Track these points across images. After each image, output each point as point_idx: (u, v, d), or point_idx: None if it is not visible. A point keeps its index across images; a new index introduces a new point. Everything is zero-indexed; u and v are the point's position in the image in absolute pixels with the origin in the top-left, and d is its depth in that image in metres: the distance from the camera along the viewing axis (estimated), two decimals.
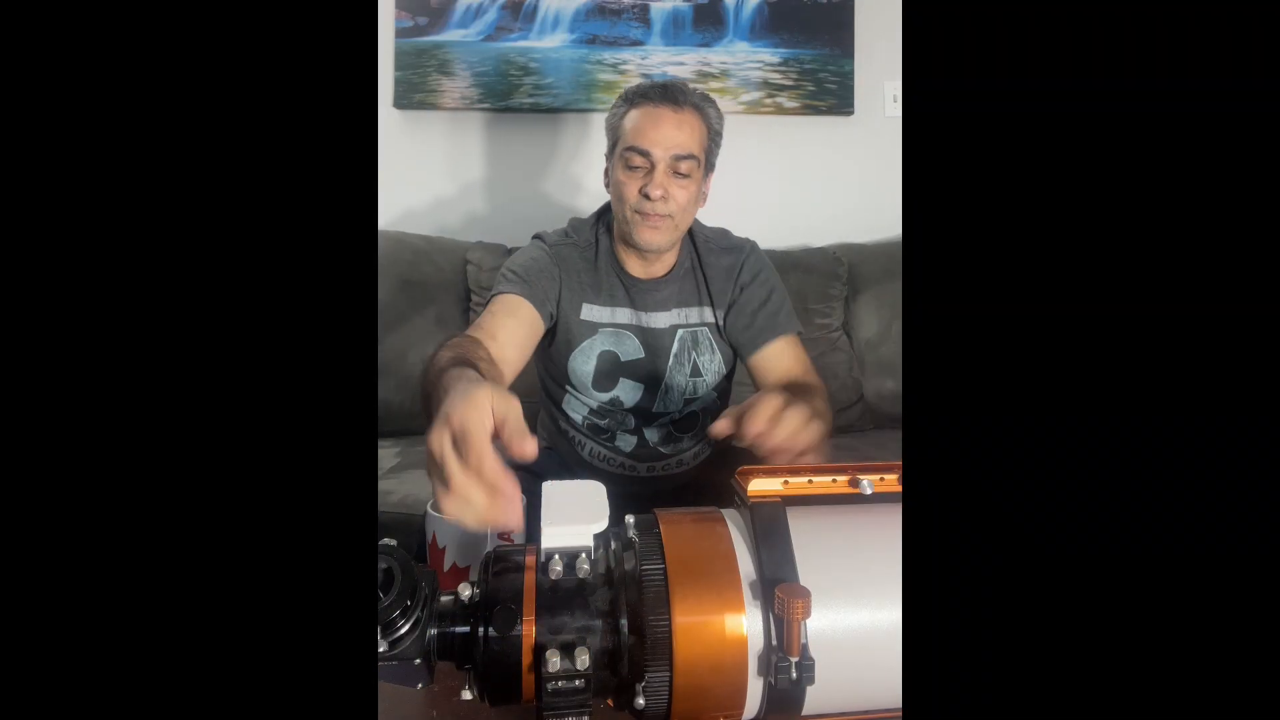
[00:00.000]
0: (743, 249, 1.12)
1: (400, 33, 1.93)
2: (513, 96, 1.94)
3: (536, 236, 1.11)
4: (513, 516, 0.45)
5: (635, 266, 1.08)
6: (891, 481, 0.46)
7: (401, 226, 1.91)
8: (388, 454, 1.53)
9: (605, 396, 1.08)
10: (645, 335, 1.07)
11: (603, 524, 0.42)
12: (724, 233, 1.15)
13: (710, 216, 1.15)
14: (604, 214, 1.12)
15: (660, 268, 1.09)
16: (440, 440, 0.47)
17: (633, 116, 1.03)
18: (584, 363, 1.06)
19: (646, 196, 1.00)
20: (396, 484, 1.34)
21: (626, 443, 1.11)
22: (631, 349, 1.07)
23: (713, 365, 1.11)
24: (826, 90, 1.98)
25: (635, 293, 1.08)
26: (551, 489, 0.44)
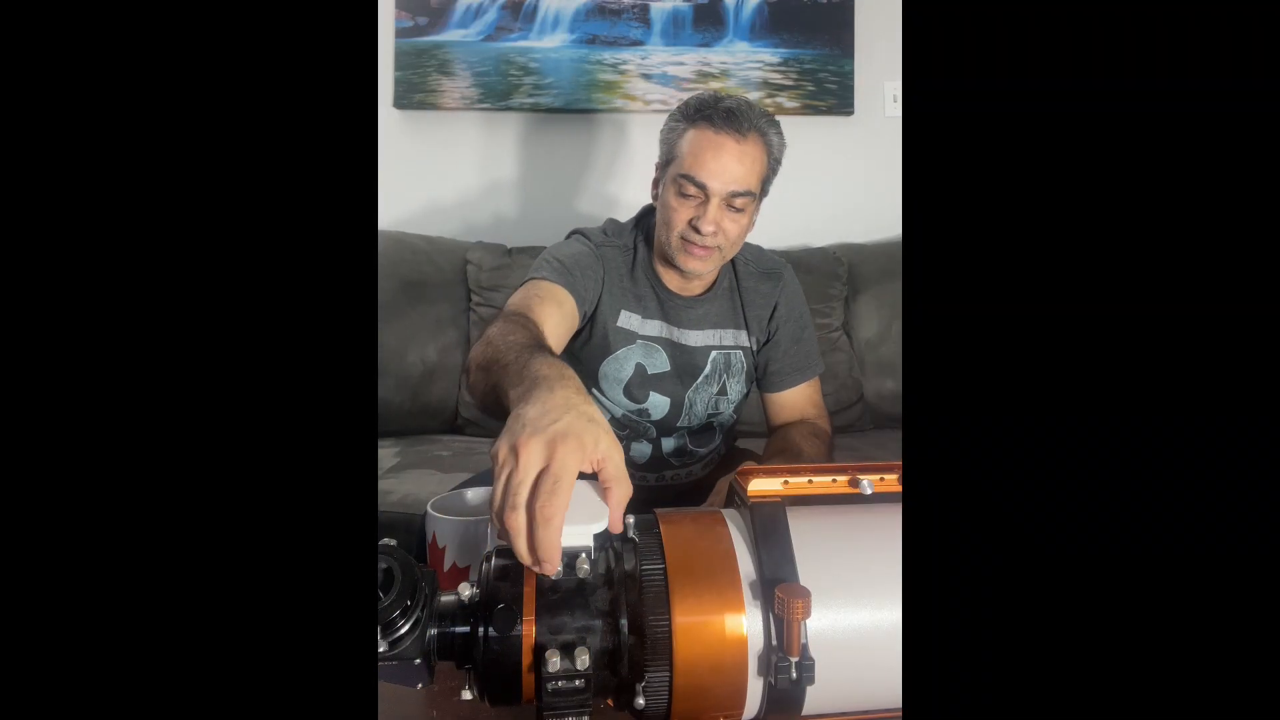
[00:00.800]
0: (779, 276, 1.10)
1: (400, 33, 1.93)
2: (513, 96, 1.94)
3: (578, 232, 1.06)
4: (549, 570, 0.41)
5: (672, 281, 1.05)
6: (891, 481, 0.46)
7: (401, 226, 1.91)
8: (387, 454, 1.53)
9: (635, 407, 1.06)
10: (675, 351, 1.05)
11: (603, 524, 0.42)
12: (760, 252, 1.13)
13: None
14: (642, 220, 1.08)
15: (698, 286, 1.06)
16: (529, 463, 0.42)
17: (692, 139, 0.96)
18: (618, 369, 1.04)
19: (696, 230, 0.95)
20: (396, 484, 1.34)
21: (641, 453, 1.10)
22: (659, 362, 1.04)
23: (739, 387, 1.09)
24: (826, 90, 1.98)
25: (670, 308, 1.05)
26: (585, 486, 0.43)
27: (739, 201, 0.96)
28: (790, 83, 1.97)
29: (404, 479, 1.37)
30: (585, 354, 1.05)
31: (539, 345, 0.69)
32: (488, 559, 0.43)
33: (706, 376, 1.06)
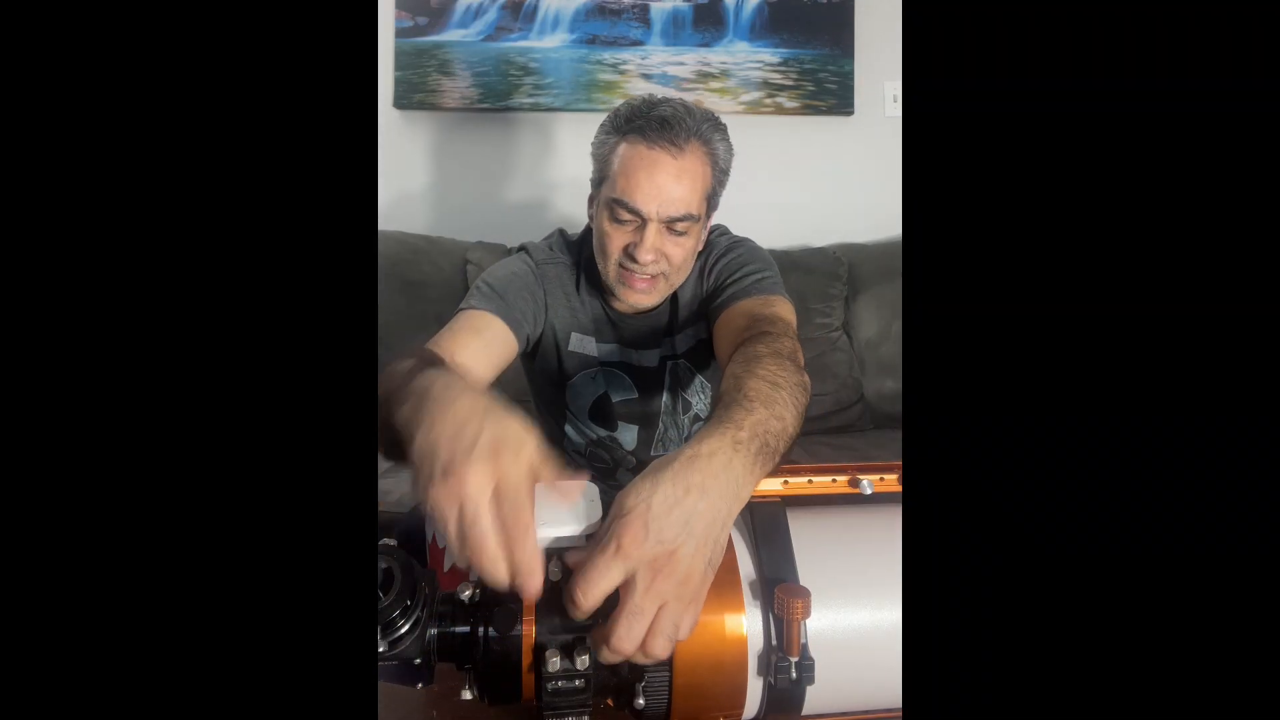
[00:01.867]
0: (710, 247, 0.95)
1: (400, 33, 1.93)
2: (513, 96, 1.94)
3: (521, 248, 0.95)
4: (533, 590, 0.38)
5: (620, 301, 0.92)
6: (891, 481, 0.46)
7: (401, 226, 1.91)
8: None
9: (604, 433, 1.00)
10: (637, 375, 0.97)
11: (596, 523, 0.42)
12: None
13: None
14: (588, 237, 0.94)
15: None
16: (475, 493, 0.38)
17: (623, 155, 0.82)
18: (576, 396, 0.97)
19: (633, 259, 0.83)
20: (396, 483, 1.34)
21: (626, 480, 1.04)
22: (624, 387, 0.97)
23: (697, 391, 1.01)
24: (826, 90, 1.98)
25: (623, 328, 0.94)
26: (544, 488, 0.41)
27: (681, 225, 0.83)
28: (790, 83, 1.97)
29: (404, 479, 1.37)
30: (544, 381, 0.98)
31: (429, 364, 0.60)
32: None
33: (669, 391, 0.98)
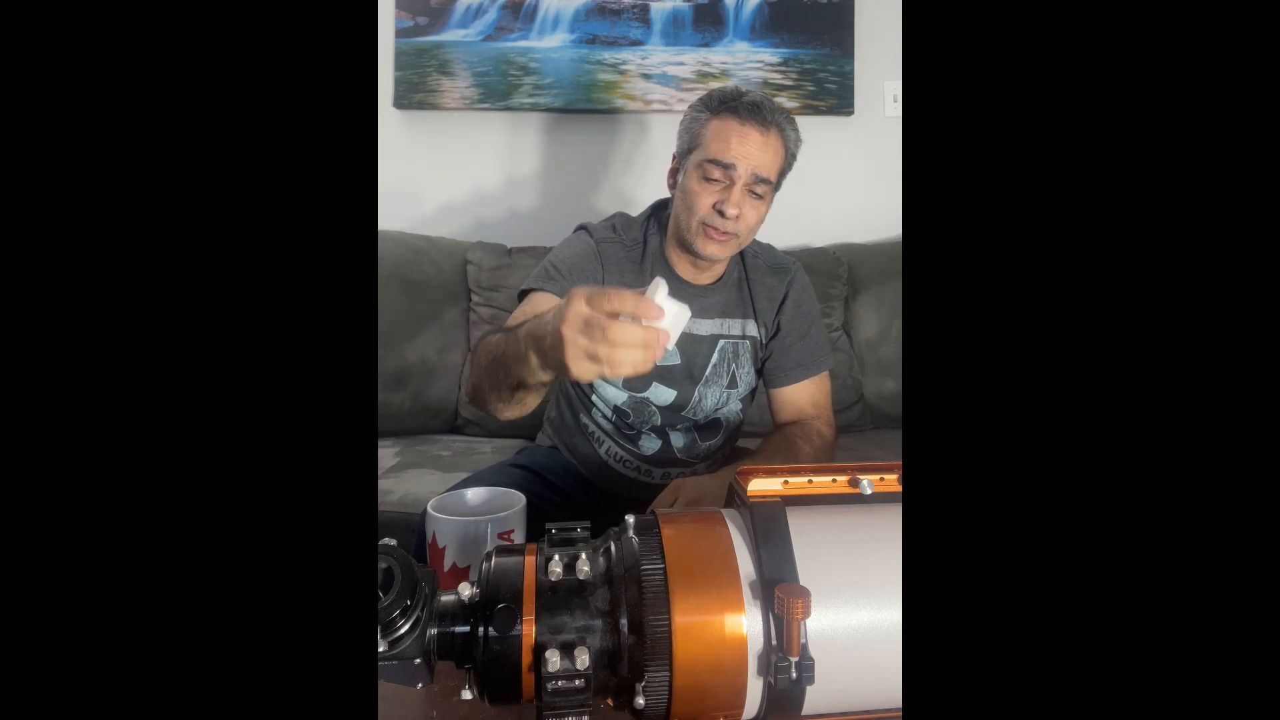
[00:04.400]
0: (788, 271, 1.12)
1: (400, 33, 1.93)
2: (513, 96, 1.94)
3: (582, 228, 1.09)
4: (670, 337, 0.57)
5: (685, 270, 1.07)
6: (891, 481, 0.46)
7: (401, 226, 1.91)
8: (387, 454, 1.53)
9: (636, 396, 1.08)
10: (684, 341, 1.06)
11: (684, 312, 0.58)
12: (771, 249, 1.15)
13: None
14: (656, 213, 1.11)
15: (709, 276, 1.08)
16: (577, 312, 0.57)
17: (717, 127, 1.00)
18: None
19: (721, 213, 0.98)
20: (396, 484, 1.34)
21: (650, 445, 1.10)
22: (668, 355, 1.05)
23: (747, 379, 1.11)
24: (826, 90, 1.98)
25: (681, 297, 1.05)
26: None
27: (760, 189, 1.00)
28: (790, 83, 1.97)
29: (404, 479, 1.37)
30: None
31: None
32: (487, 559, 0.43)
33: (714, 366, 1.07)
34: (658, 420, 1.08)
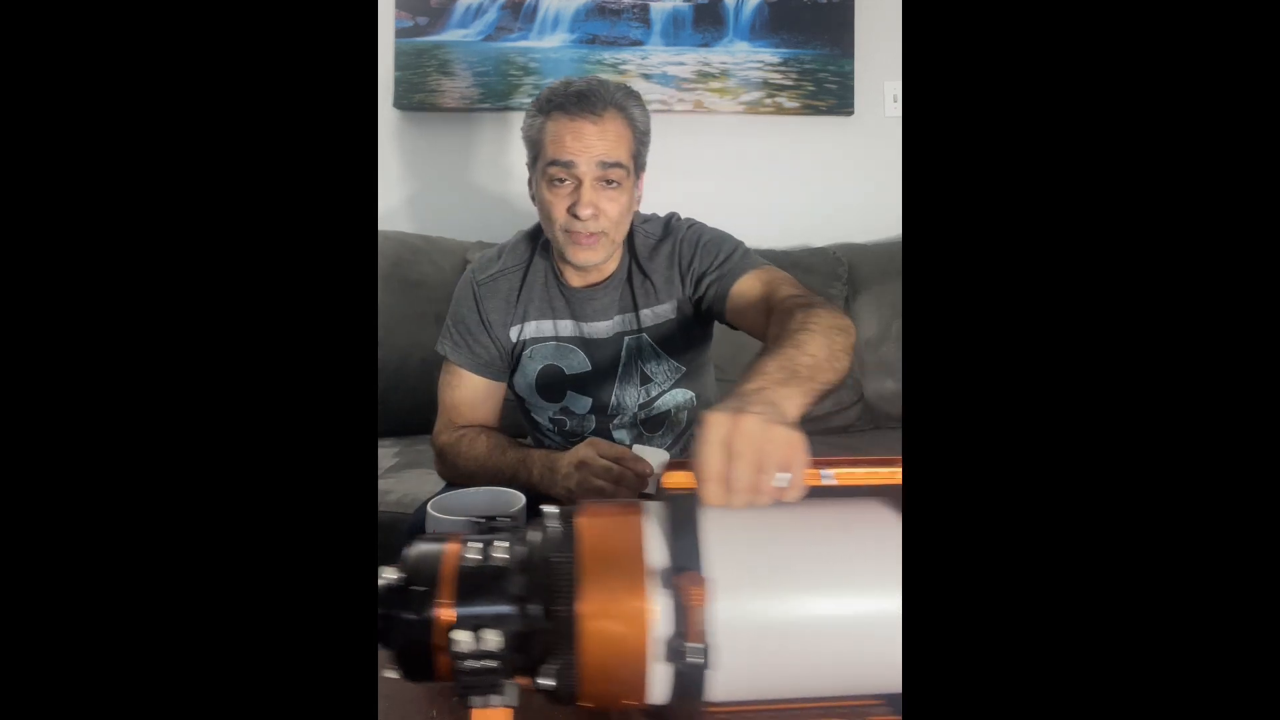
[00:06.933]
0: (673, 230, 1.05)
1: (400, 33, 1.93)
2: (513, 96, 1.94)
3: (468, 263, 1.07)
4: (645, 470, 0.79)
5: (573, 277, 1.03)
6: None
7: (401, 226, 1.90)
8: (387, 454, 1.53)
9: (555, 406, 1.07)
10: (589, 347, 1.04)
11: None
12: (651, 218, 1.08)
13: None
14: (538, 231, 1.07)
15: (598, 275, 1.03)
16: (592, 456, 0.82)
17: (550, 128, 0.95)
18: (522, 375, 1.05)
19: (575, 216, 0.94)
20: (396, 483, 1.34)
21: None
22: (577, 363, 1.04)
23: (662, 368, 1.06)
24: (826, 90, 1.98)
25: (576, 303, 1.04)
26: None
27: (612, 174, 0.94)
28: (790, 83, 1.97)
29: (404, 479, 1.37)
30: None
31: (507, 444, 0.97)
32: (410, 545, 0.45)
33: (624, 366, 1.05)
34: (593, 424, 1.07)
